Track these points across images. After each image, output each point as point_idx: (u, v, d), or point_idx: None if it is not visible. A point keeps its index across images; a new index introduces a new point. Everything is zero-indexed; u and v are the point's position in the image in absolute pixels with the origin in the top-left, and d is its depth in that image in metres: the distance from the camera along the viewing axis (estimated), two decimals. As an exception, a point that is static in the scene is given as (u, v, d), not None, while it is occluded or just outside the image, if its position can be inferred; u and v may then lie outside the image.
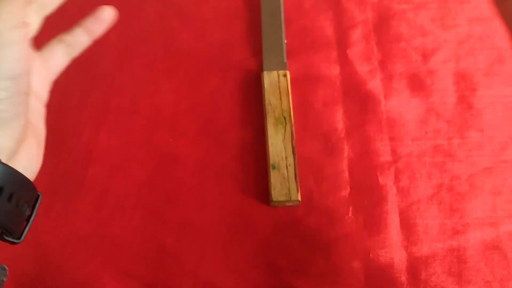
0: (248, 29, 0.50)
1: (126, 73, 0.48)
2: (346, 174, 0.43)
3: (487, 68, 0.47)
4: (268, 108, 0.44)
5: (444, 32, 0.49)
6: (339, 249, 0.40)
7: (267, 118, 0.44)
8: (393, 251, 0.40)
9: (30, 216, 0.25)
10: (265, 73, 0.46)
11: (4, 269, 0.25)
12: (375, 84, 0.47)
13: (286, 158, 0.41)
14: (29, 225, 0.25)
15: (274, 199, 0.40)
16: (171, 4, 0.52)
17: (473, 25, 0.49)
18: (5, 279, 0.25)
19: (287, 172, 0.41)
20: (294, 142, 0.42)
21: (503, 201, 0.41)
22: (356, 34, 0.49)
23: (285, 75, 0.46)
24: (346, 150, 0.44)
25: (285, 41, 0.49)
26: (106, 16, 0.28)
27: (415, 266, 0.39)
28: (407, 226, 0.41)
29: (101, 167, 0.43)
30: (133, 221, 0.41)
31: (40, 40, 0.27)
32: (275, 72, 0.46)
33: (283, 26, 0.49)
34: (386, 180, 0.42)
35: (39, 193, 0.26)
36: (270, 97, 0.45)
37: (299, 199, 0.40)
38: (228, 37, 0.50)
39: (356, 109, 0.46)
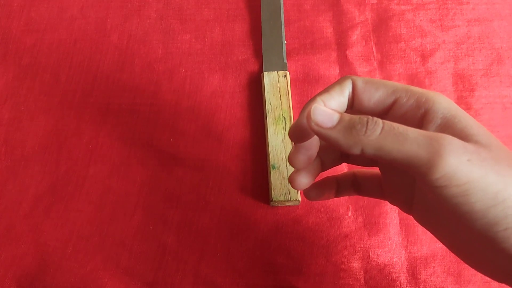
0: (248, 30, 0.50)
1: (127, 73, 0.48)
2: (346, 174, 0.43)
3: (485, 68, 0.47)
4: (268, 108, 0.44)
5: (442, 33, 0.49)
6: (338, 248, 0.40)
7: (267, 118, 0.44)
8: (393, 250, 0.40)
9: None
10: (265, 73, 0.46)
11: None
12: (374, 85, 0.47)
13: (286, 158, 0.42)
14: None
15: (274, 199, 0.40)
16: (171, 4, 0.52)
17: (471, 26, 0.49)
18: None
19: (287, 172, 0.41)
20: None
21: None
22: (355, 35, 0.49)
23: (285, 76, 0.46)
24: (346, 150, 0.44)
25: (285, 41, 0.49)
26: None
27: (414, 266, 0.39)
28: (407, 226, 0.41)
29: (102, 167, 0.44)
30: (133, 220, 0.41)
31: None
32: (275, 72, 0.46)
33: (283, 27, 0.49)
34: (386, 180, 0.42)
35: None
36: (270, 97, 0.45)
37: (299, 199, 0.40)
38: (228, 37, 0.50)
39: (356, 110, 0.46)
